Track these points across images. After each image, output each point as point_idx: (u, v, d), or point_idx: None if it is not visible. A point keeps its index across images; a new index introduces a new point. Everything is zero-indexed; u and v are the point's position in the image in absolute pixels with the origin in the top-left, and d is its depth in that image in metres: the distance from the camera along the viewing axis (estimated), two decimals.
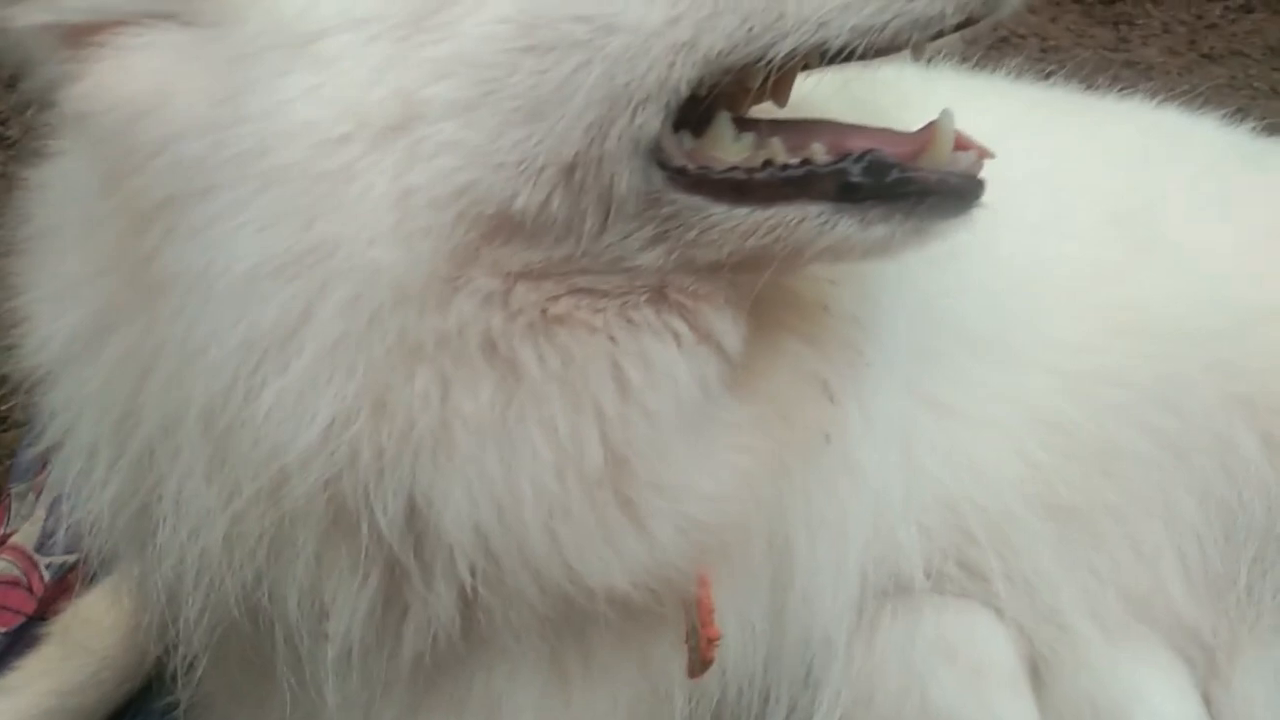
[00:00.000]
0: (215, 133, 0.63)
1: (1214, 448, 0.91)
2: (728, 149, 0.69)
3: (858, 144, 0.69)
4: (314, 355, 0.63)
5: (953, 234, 0.70)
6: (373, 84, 0.63)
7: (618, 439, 0.68)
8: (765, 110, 0.73)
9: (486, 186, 0.64)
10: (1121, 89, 2.15)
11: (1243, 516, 0.91)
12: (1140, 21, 2.20)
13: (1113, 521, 0.91)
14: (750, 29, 0.65)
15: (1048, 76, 2.19)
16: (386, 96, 0.63)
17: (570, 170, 0.65)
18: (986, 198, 0.71)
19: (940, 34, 0.69)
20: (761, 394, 0.75)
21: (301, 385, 0.63)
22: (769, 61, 0.65)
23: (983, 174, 0.71)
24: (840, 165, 0.68)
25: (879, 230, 0.68)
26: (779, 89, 0.71)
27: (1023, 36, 2.13)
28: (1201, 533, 0.91)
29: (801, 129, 0.72)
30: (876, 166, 0.68)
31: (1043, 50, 2.13)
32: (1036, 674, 0.86)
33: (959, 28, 0.69)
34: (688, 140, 0.69)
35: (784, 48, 0.65)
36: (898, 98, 0.76)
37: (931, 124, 0.71)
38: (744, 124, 0.71)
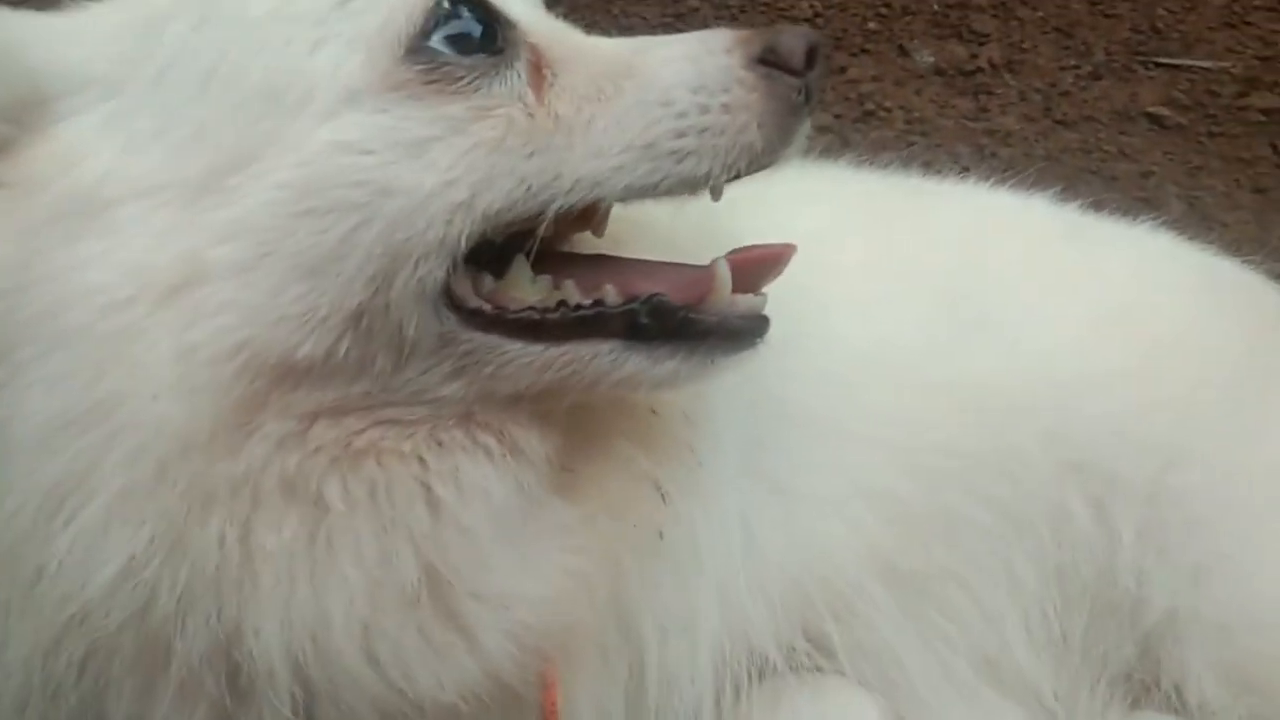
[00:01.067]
0: (13, 295, 0.66)
1: (1049, 514, 0.96)
2: (525, 290, 0.73)
3: (646, 287, 0.75)
4: (103, 504, 0.66)
5: (737, 367, 0.76)
6: (158, 248, 0.66)
7: (432, 556, 0.71)
8: (582, 240, 0.78)
9: (265, 340, 0.67)
10: (982, 155, 2.26)
11: (1076, 581, 0.95)
12: (999, 91, 2.30)
13: (956, 587, 0.94)
14: (528, 188, 0.70)
15: (911, 146, 2.30)
16: (172, 260, 0.66)
17: (357, 318, 0.68)
18: (773, 332, 0.76)
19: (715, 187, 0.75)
20: (592, 496, 0.77)
21: (92, 532, 0.66)
22: (546, 215, 0.70)
23: (766, 311, 0.77)
24: (629, 307, 0.73)
25: (667, 366, 0.74)
26: (594, 223, 0.76)
27: (888, 110, 2.22)
28: (1042, 597, 0.95)
29: (598, 268, 0.76)
30: (662, 310, 0.73)
31: (907, 122, 2.21)
32: None
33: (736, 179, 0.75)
34: (489, 282, 0.73)
35: (562, 204, 0.70)
36: (729, 207, 0.79)
37: (713, 265, 0.75)
38: (545, 262, 0.74)
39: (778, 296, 0.78)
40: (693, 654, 0.84)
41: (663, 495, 0.80)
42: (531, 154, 0.69)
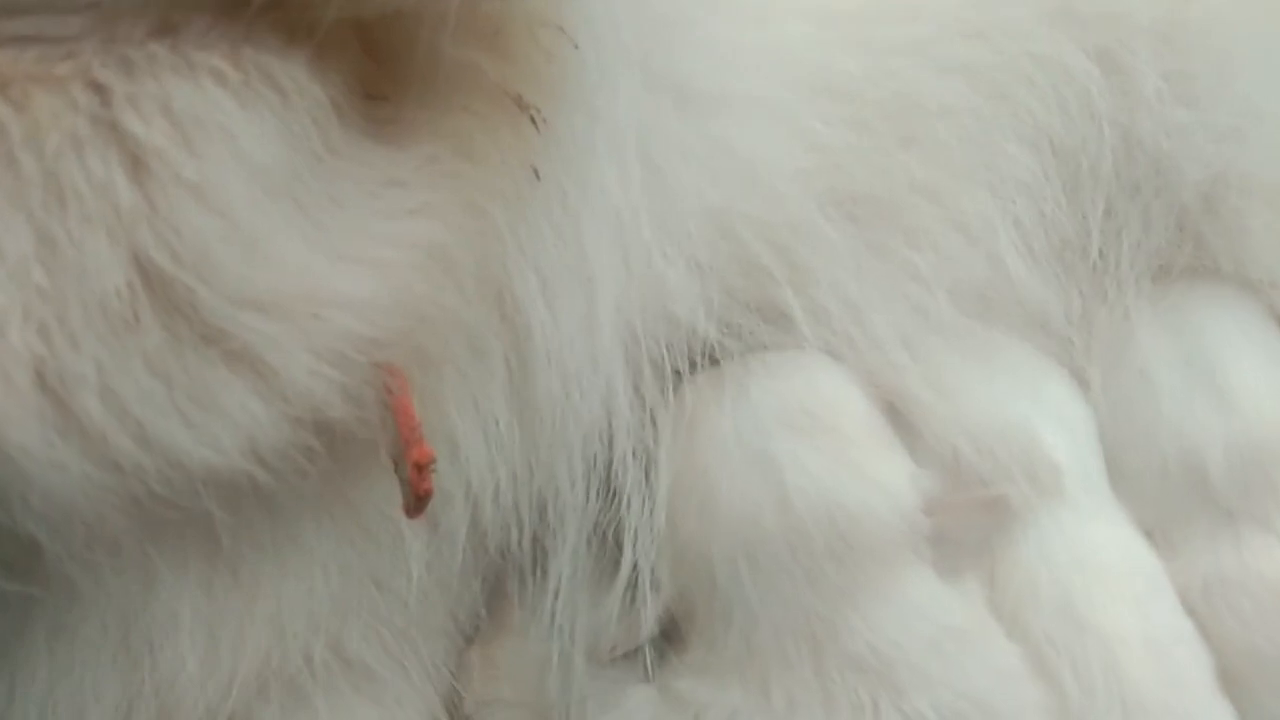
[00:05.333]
0: None
1: (1039, 76, 0.72)
2: None
3: None
4: None
5: None
6: None
7: (148, 247, 0.44)
8: None
9: None
10: None
11: (1086, 161, 0.73)
12: None
13: (926, 203, 0.70)
14: None
15: None
16: None
17: None
18: None
19: None
20: (430, 132, 0.52)
21: None
22: None
23: None
24: None
25: None
26: None
27: None
28: (1038, 191, 0.72)
29: None
30: None
31: None
32: (898, 419, 0.67)
33: None
34: None
35: None
36: None
37: None
38: None
39: None
40: (591, 330, 0.61)
41: (532, 116, 0.54)
42: None
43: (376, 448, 0.53)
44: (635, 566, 0.63)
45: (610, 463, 0.64)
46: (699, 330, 0.65)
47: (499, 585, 0.67)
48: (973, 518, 0.63)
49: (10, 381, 0.42)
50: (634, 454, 0.64)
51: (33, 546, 0.46)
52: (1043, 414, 0.69)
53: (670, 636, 0.63)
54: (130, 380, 0.44)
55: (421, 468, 0.52)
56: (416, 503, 0.52)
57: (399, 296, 0.49)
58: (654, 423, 0.65)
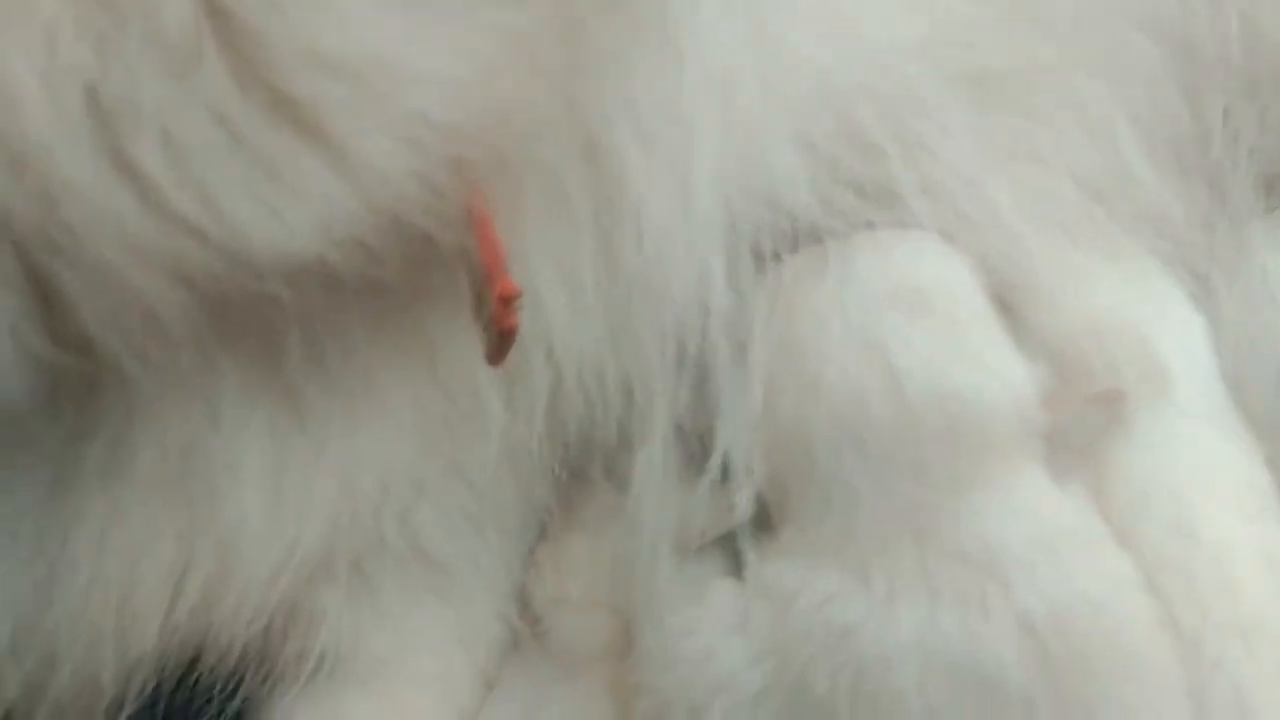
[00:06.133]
0: None
1: None
2: None
3: None
4: None
5: None
6: None
7: None
8: None
9: None
10: None
11: (1208, 54, 0.68)
12: None
13: (1048, 84, 0.66)
14: None
15: None
16: None
17: None
18: None
19: None
20: None
21: None
22: None
23: None
24: None
25: None
26: None
27: None
28: (1158, 85, 0.68)
29: None
30: None
31: None
32: (1009, 308, 0.62)
33: None
34: None
35: None
36: None
37: None
38: None
39: None
40: (687, 194, 0.57)
41: None
42: None
43: (457, 284, 0.49)
44: (726, 451, 0.59)
45: (701, 343, 0.60)
46: (800, 207, 0.61)
47: (573, 480, 0.64)
48: (1085, 416, 0.59)
49: (59, 101, 0.37)
50: (726, 333, 0.60)
51: (87, 350, 0.42)
52: (1159, 316, 0.65)
53: (758, 523, 0.59)
54: (192, 127, 0.39)
55: (507, 301, 0.48)
56: (500, 340, 0.48)
57: (483, 86, 0.44)
58: (749, 301, 0.61)
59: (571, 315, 0.56)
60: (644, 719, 0.58)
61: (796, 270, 0.61)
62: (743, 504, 0.58)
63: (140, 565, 0.51)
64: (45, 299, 0.40)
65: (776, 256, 0.62)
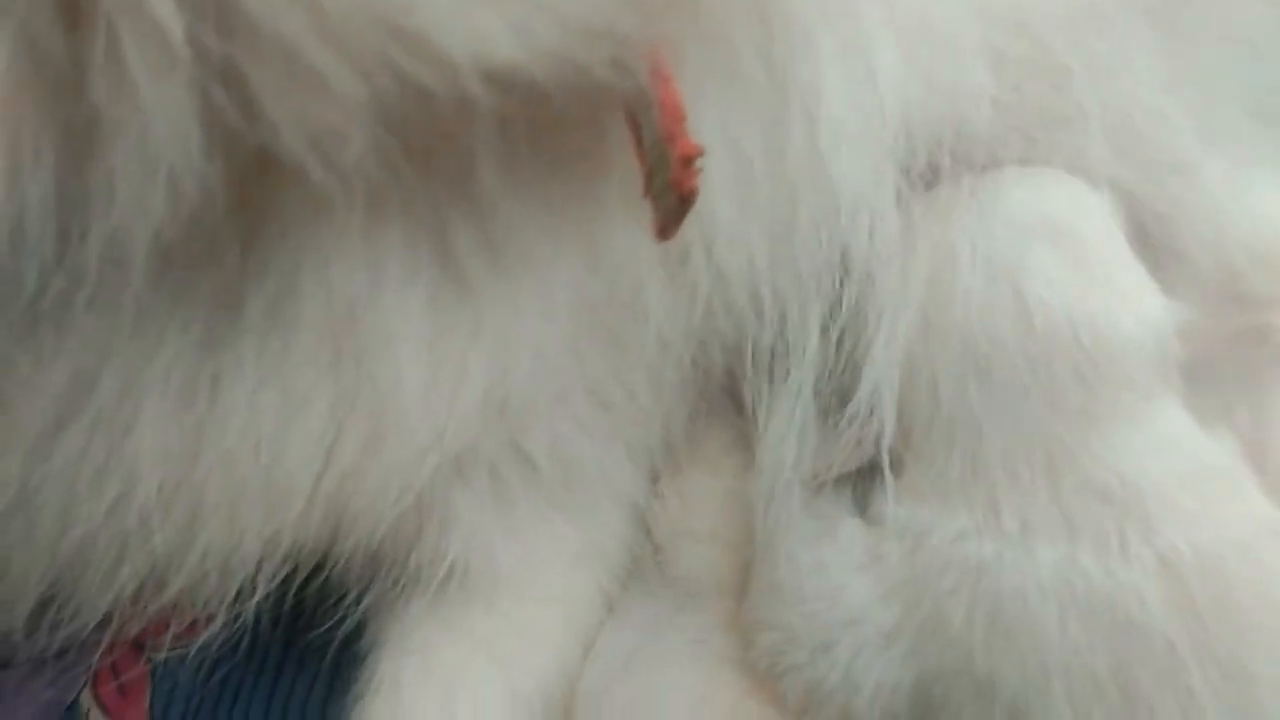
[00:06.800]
0: None
1: None
2: None
3: None
4: None
5: None
6: None
7: None
8: None
9: None
10: None
11: None
12: None
13: (1217, 10, 0.62)
14: None
15: None
16: None
17: None
18: None
19: None
20: None
21: None
22: None
23: None
24: None
25: None
26: None
27: None
28: None
29: None
30: None
31: None
32: (1161, 235, 0.60)
33: None
34: None
35: None
36: None
37: None
38: None
39: None
40: (869, 79, 0.54)
41: None
42: None
43: (629, 153, 0.45)
44: (869, 387, 0.57)
45: (866, 259, 0.57)
46: (981, 125, 0.59)
47: (706, 414, 0.63)
48: (1233, 349, 0.57)
49: None
50: (885, 255, 0.58)
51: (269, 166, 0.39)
52: None
53: (888, 463, 0.58)
54: None
55: (688, 160, 0.44)
56: (679, 206, 0.45)
57: None
58: (911, 221, 0.58)
59: (737, 210, 0.53)
60: (766, 652, 0.57)
61: (941, 198, 0.59)
62: (875, 442, 0.56)
63: (292, 426, 0.49)
64: (233, 96, 0.37)
65: (936, 177, 0.59)
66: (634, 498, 0.63)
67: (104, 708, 0.66)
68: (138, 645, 0.67)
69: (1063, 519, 0.52)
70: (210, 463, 0.49)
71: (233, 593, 0.53)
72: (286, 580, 0.56)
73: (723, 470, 0.63)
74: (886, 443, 0.56)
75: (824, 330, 0.58)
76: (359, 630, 0.62)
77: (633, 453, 0.61)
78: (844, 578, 0.55)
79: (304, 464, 0.50)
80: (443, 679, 0.58)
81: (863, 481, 0.58)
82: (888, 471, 0.56)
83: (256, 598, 0.54)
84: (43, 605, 0.54)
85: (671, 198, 0.45)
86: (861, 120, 0.55)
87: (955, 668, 0.52)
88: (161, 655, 0.67)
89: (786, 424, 0.58)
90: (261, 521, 0.50)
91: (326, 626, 0.60)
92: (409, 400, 0.50)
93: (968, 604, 0.52)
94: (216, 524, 0.50)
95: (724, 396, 0.63)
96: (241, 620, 0.56)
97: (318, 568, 0.57)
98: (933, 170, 0.59)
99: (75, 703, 0.66)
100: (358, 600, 0.59)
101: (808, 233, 0.55)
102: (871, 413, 0.57)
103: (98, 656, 0.67)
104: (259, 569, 0.53)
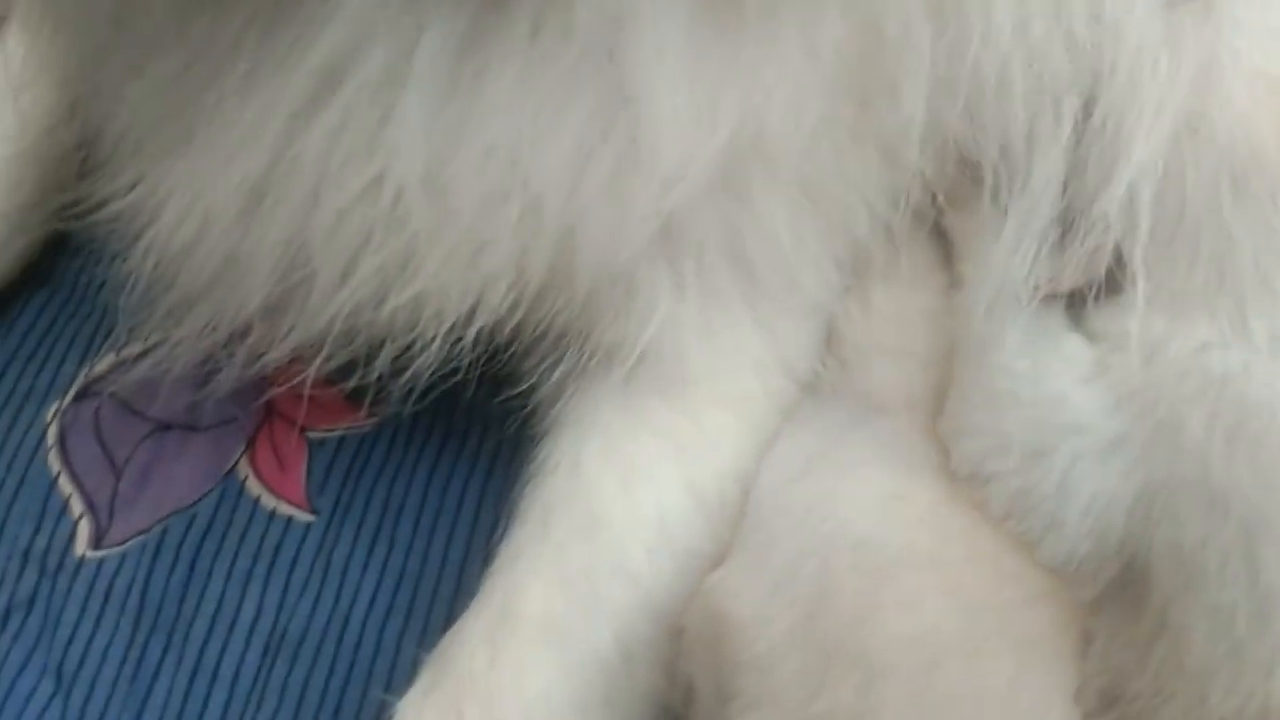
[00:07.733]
0: None
1: None
2: None
3: None
4: None
5: None
6: None
7: None
8: None
9: None
10: None
11: None
12: None
13: None
14: None
15: None
16: None
17: None
18: None
19: None
20: None
21: None
22: None
23: None
24: None
25: None
26: None
27: None
28: None
29: None
30: None
31: None
32: None
33: None
34: None
35: None
36: None
37: None
38: None
39: None
40: None
41: None
42: None
43: None
44: (1129, 186, 0.53)
45: (1118, 69, 0.54)
46: None
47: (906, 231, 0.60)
48: None
49: None
50: (1143, 61, 0.54)
51: None
52: None
53: (1105, 281, 0.55)
54: None
55: None
56: None
57: None
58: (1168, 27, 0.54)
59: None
60: (968, 459, 0.55)
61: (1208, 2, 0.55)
62: (1113, 254, 0.54)
63: (550, 134, 0.47)
64: None
65: None
66: (825, 309, 0.61)
67: (260, 476, 0.65)
68: (297, 425, 0.67)
69: None
70: (467, 160, 0.47)
71: (446, 324, 0.52)
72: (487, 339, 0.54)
73: (925, 287, 0.60)
74: (1137, 249, 0.53)
75: (1076, 130, 0.55)
76: (528, 416, 0.61)
77: (834, 260, 0.59)
78: (1067, 387, 0.53)
79: (557, 175, 0.48)
80: (623, 462, 0.58)
81: (1081, 297, 0.55)
82: (1137, 279, 0.53)
83: (466, 339, 0.52)
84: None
85: None
86: None
87: (1188, 478, 0.49)
88: (319, 435, 0.66)
89: (1019, 233, 0.55)
90: (509, 234, 0.48)
91: (504, 397, 0.59)
92: (663, 121, 0.48)
93: (1209, 414, 0.49)
94: (465, 224, 0.48)
95: (920, 220, 0.60)
96: (432, 375, 0.54)
97: (515, 335, 0.55)
98: None
99: (233, 469, 0.65)
100: (546, 373, 0.57)
101: (1081, 22, 0.52)
102: (1107, 227, 0.54)
103: (257, 428, 0.66)
104: (479, 301, 0.51)
